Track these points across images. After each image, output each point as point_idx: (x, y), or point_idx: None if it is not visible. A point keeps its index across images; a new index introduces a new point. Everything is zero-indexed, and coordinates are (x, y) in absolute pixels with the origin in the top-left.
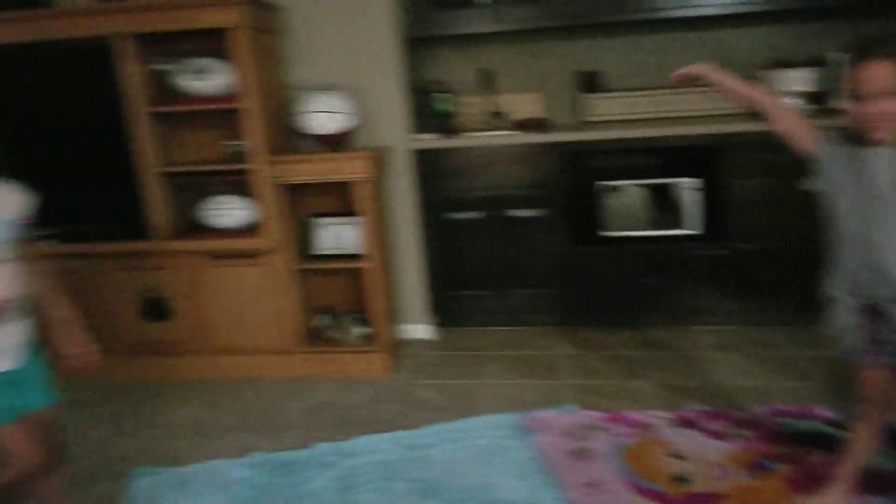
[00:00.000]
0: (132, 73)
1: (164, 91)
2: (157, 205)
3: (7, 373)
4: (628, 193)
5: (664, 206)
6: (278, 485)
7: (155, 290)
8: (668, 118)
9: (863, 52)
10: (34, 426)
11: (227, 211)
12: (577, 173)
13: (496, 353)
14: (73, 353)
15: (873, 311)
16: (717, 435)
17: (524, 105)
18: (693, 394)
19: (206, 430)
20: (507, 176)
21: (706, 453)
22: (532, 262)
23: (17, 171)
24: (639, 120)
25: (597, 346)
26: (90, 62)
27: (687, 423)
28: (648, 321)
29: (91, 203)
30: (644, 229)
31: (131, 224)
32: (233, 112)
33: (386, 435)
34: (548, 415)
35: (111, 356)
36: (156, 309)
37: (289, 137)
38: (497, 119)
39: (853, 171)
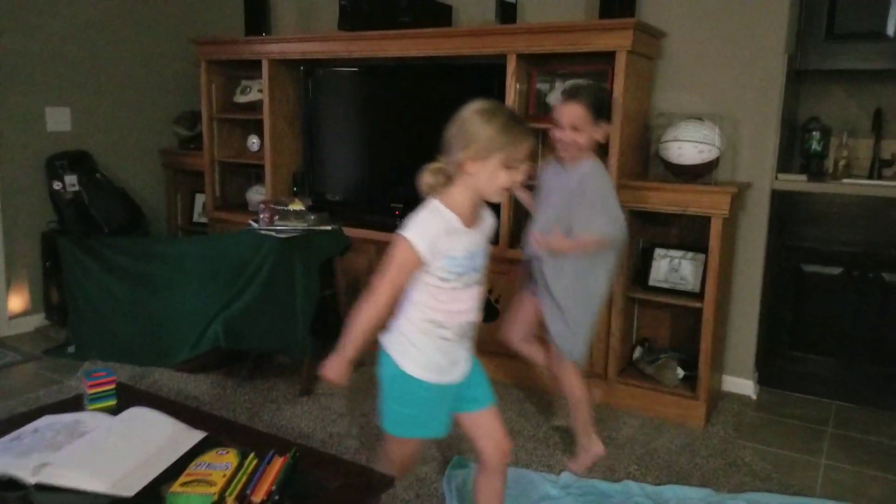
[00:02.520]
0: (515, 90)
1: (538, 108)
2: (508, 215)
3: (459, 384)
4: None
5: None
6: None
7: (490, 291)
8: None
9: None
10: (487, 419)
11: None
12: None
13: (833, 430)
14: None
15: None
16: None
17: None
18: None
19: (517, 437)
20: (883, 232)
21: None
22: None
23: (399, 169)
24: None
25: None
26: (480, 78)
27: None
28: None
29: None
30: None
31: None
32: None
33: (702, 490)
34: None
35: None
36: (488, 309)
37: (645, 163)
38: (881, 166)
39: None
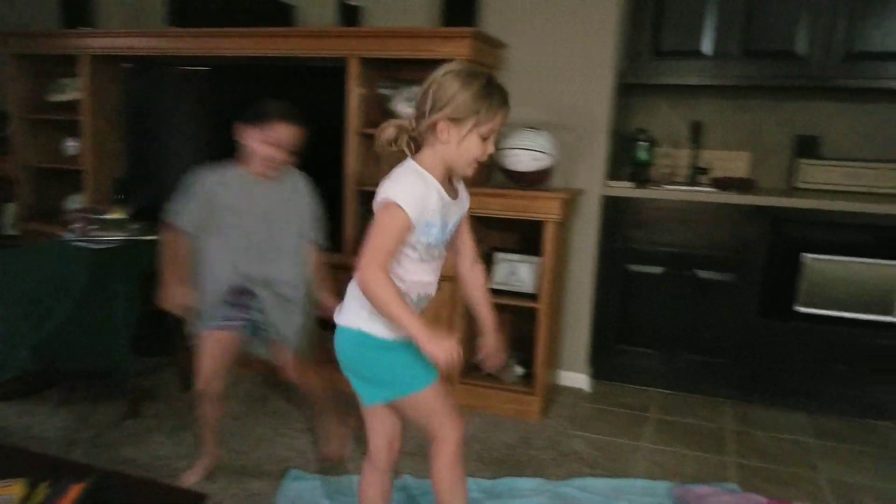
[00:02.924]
0: (357, 95)
1: (381, 114)
2: (354, 221)
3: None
4: (835, 270)
5: (874, 289)
6: None
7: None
8: (891, 194)
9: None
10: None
11: None
12: (779, 241)
13: (656, 416)
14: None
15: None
16: None
17: (729, 163)
18: (874, 495)
19: (360, 445)
20: (698, 234)
21: None
22: (711, 328)
23: None
24: (857, 192)
25: (767, 426)
26: (322, 81)
27: None
28: (830, 409)
29: None
30: (847, 311)
31: (330, 237)
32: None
33: (534, 480)
34: (707, 491)
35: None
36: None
37: (485, 170)
38: (697, 174)
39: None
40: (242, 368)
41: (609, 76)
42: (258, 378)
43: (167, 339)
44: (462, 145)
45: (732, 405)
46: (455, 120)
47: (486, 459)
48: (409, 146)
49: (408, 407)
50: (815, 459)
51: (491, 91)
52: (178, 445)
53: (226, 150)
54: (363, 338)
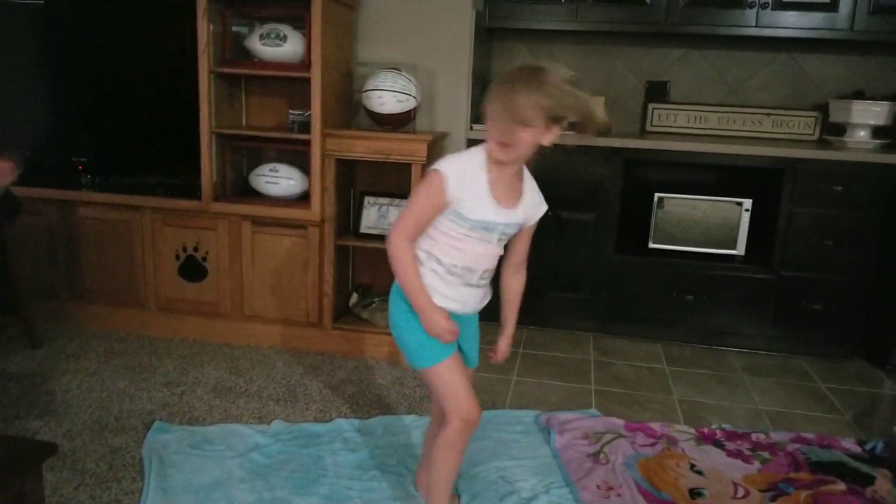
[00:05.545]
0: (208, 31)
1: (236, 53)
2: (210, 165)
3: (463, 317)
4: (683, 207)
5: (717, 225)
6: (295, 455)
7: (196, 249)
8: (734, 136)
9: None
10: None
11: (280, 179)
12: (633, 182)
13: (524, 352)
14: None
15: None
16: (738, 455)
17: None
18: (718, 413)
19: (228, 394)
20: (559, 176)
21: (725, 472)
22: (574, 266)
23: (82, 117)
24: (704, 135)
25: (625, 355)
26: (172, 15)
27: (709, 441)
28: (679, 337)
29: (149, 156)
30: (694, 245)
31: (184, 181)
32: (301, 81)
33: (408, 418)
34: (569, 416)
35: (146, 311)
36: (194, 269)
37: (350, 113)
38: None
39: None
40: (101, 327)
41: (468, 19)
42: (119, 334)
43: (10, 294)
44: None
45: (594, 338)
46: None
47: (361, 401)
48: None
49: (424, 379)
50: (667, 384)
51: None
52: (30, 405)
53: (71, 93)
54: (395, 295)
